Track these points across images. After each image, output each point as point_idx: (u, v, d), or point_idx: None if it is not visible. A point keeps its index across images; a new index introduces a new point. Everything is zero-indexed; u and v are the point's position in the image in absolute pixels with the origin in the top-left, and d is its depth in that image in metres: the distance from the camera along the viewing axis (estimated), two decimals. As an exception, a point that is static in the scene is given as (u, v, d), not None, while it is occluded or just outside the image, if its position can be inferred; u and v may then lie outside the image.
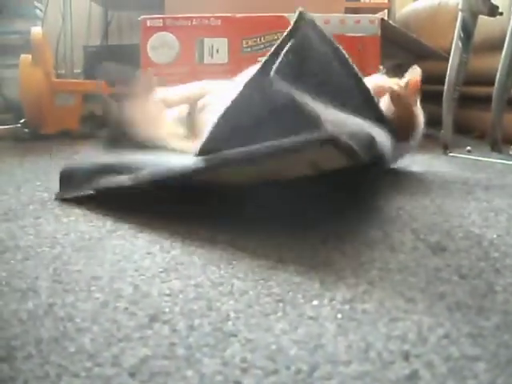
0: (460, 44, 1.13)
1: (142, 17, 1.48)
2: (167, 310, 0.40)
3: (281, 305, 0.41)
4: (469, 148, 1.22)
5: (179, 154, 0.74)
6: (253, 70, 0.86)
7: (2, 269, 0.49)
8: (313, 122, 0.51)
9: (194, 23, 1.48)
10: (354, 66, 0.75)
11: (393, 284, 0.45)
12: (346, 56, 0.75)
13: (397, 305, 0.41)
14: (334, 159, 0.53)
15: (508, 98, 1.22)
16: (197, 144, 0.65)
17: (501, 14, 1.07)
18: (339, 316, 0.39)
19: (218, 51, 1.48)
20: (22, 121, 1.63)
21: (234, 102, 0.63)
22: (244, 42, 1.48)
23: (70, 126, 1.62)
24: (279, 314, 0.39)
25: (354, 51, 1.48)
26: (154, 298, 0.42)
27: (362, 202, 0.70)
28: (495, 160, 1.06)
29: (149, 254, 0.52)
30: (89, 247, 0.54)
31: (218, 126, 0.63)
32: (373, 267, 0.48)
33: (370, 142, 0.55)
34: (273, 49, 0.69)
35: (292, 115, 0.56)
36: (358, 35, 1.49)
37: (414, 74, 0.89)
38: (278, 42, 0.70)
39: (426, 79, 1.93)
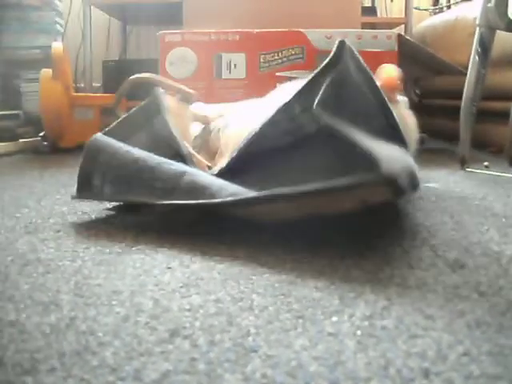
0: (477, 59, 1.13)
1: (160, 32, 1.51)
2: (188, 324, 0.41)
3: (300, 321, 0.41)
4: (486, 163, 1.21)
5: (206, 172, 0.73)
6: (280, 92, 0.87)
7: (24, 282, 0.50)
8: (366, 158, 0.50)
9: (212, 38, 1.50)
10: (382, 92, 0.71)
11: (412, 300, 0.45)
12: (376, 83, 0.72)
13: (416, 321, 0.41)
14: (382, 195, 0.53)
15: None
16: (221, 163, 0.65)
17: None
18: (358, 333, 0.39)
19: (235, 66, 1.49)
20: (41, 134, 1.66)
21: (263, 128, 0.64)
22: (261, 57, 1.49)
23: (89, 139, 1.64)
24: (299, 330, 0.40)
25: (371, 67, 1.49)
26: (174, 313, 0.43)
27: (380, 218, 0.70)
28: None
29: (169, 268, 0.53)
30: (109, 261, 0.55)
31: (244, 148, 0.64)
32: (392, 283, 0.48)
33: (414, 175, 0.54)
34: (311, 77, 0.67)
35: (335, 146, 0.56)
36: (375, 50, 1.49)
37: (388, 71, 0.82)
38: (318, 71, 0.68)
39: (443, 94, 1.93)
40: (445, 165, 1.20)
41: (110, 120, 1.73)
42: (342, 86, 0.66)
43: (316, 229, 0.63)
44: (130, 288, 0.48)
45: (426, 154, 1.50)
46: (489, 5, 1.09)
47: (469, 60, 1.20)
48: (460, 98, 1.23)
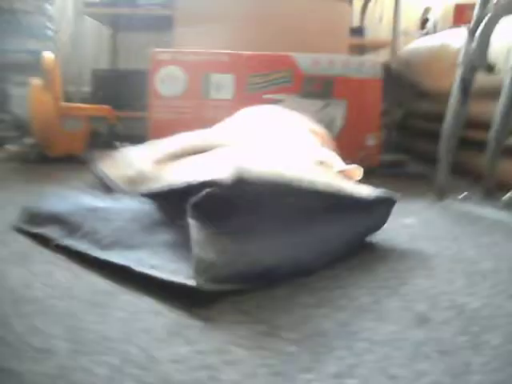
0: (458, 96, 1.18)
1: (152, 50, 1.54)
2: (174, 376, 0.44)
3: (276, 378, 0.45)
4: (463, 194, 1.26)
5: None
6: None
7: (17, 323, 0.53)
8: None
9: (202, 58, 1.53)
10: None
11: (378, 358, 0.49)
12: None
13: (380, 382, 0.45)
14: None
15: (503, 146, 1.26)
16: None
17: (497, 73, 1.12)
18: (328, 392, 0.43)
19: (223, 87, 1.53)
20: (31, 142, 1.68)
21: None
22: (250, 79, 1.53)
23: (77, 150, 1.67)
24: (274, 387, 0.44)
25: (357, 93, 1.53)
26: (162, 364, 0.46)
27: (355, 263, 0.75)
28: (487, 212, 1.10)
29: (156, 313, 0.56)
30: (101, 303, 0.58)
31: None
32: (361, 338, 0.53)
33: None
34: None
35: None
36: (360, 77, 1.54)
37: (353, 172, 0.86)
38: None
39: (425, 116, 1.97)
40: (423, 195, 1.25)
41: (98, 130, 1.76)
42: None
43: (294, 275, 0.67)
44: (121, 334, 0.51)
45: (407, 180, 1.56)
46: (471, 46, 1.14)
47: (451, 87, 1.24)
48: (440, 121, 1.27)
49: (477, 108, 1.36)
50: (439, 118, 1.30)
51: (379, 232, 0.85)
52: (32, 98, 1.61)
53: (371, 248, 0.82)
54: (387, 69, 1.55)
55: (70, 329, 0.52)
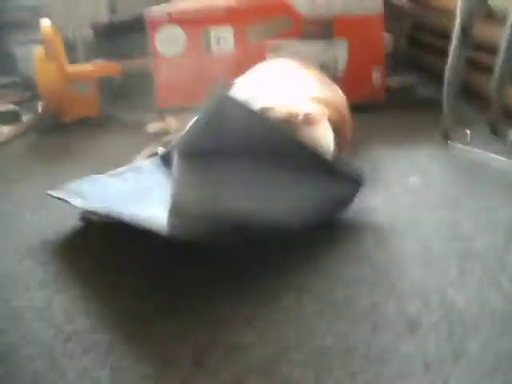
0: (458, 43, 1.17)
1: (146, 11, 1.52)
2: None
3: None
4: (468, 132, 1.28)
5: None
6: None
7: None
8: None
9: (198, 14, 1.52)
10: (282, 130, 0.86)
11: (369, 378, 0.56)
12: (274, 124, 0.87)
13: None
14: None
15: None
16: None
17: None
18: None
19: (224, 40, 1.52)
20: (44, 111, 1.71)
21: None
22: (249, 29, 1.52)
23: (90, 113, 1.70)
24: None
25: (357, 31, 1.51)
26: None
27: (356, 250, 0.81)
28: (491, 160, 1.12)
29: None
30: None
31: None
32: (357, 354, 0.60)
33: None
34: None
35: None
36: (361, 14, 1.51)
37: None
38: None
39: (433, 32, 1.92)
40: (428, 138, 1.27)
41: (107, 92, 1.78)
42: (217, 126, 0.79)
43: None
44: None
45: (415, 112, 1.54)
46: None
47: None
48: (448, 37, 1.24)
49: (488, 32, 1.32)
50: (447, 34, 1.26)
51: (386, 200, 0.93)
52: (37, 68, 1.63)
53: (373, 227, 0.88)
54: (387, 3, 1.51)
55: None
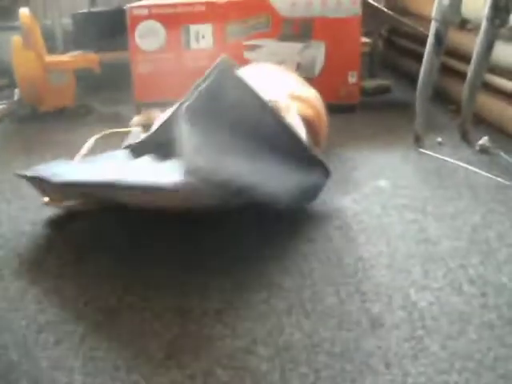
0: (432, 50, 1.20)
1: (127, 5, 1.53)
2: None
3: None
4: (439, 140, 1.32)
5: None
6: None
7: None
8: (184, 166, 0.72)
9: (178, 10, 1.52)
10: (273, 110, 0.92)
11: (334, 374, 0.59)
12: (265, 102, 0.91)
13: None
14: (201, 198, 0.74)
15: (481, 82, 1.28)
16: None
17: (469, 29, 1.13)
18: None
19: (203, 37, 1.53)
20: (19, 98, 1.70)
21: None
22: (228, 27, 1.53)
23: (66, 102, 1.70)
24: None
25: (335, 33, 1.54)
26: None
27: (328, 251, 0.84)
28: (460, 163, 1.16)
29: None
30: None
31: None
32: (322, 349, 0.63)
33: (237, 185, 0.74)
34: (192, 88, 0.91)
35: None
36: (339, 17, 1.53)
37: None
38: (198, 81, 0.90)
39: (409, 36, 1.95)
40: (400, 141, 1.31)
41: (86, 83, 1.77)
42: (215, 95, 0.84)
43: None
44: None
45: (389, 114, 1.58)
46: (444, 2, 1.14)
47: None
48: (423, 43, 1.27)
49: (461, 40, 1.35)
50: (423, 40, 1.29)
51: (355, 200, 0.97)
52: (15, 56, 1.62)
53: (345, 228, 0.91)
54: (366, 6, 1.53)
55: None
